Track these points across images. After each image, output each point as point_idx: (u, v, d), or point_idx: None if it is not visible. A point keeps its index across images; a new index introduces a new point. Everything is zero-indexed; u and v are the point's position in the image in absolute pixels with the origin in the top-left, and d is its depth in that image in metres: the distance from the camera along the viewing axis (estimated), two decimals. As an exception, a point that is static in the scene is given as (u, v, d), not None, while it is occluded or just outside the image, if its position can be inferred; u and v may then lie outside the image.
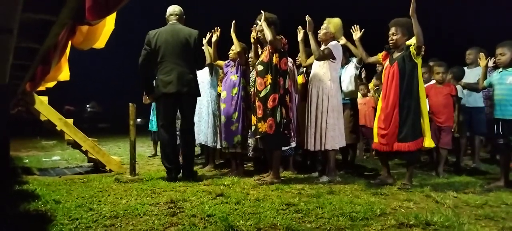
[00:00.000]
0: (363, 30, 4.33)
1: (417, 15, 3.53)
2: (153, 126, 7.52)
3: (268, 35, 3.96)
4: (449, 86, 4.63)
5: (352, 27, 4.36)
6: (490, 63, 4.78)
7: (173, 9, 4.40)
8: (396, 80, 3.75)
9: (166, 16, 4.42)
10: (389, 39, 3.88)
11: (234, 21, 4.63)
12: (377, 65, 5.80)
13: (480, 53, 4.47)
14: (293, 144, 4.72)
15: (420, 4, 3.50)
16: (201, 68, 4.74)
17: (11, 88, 4.09)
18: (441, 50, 6.47)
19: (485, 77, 4.19)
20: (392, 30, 3.85)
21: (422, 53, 3.72)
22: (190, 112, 4.37)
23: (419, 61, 3.72)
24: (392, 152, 3.84)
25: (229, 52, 4.85)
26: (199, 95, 4.43)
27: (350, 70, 4.94)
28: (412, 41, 3.69)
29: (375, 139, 3.98)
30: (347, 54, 4.88)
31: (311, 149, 4.21)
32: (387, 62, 3.96)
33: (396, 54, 3.87)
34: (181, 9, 4.43)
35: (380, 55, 4.14)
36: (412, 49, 3.66)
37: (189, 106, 4.32)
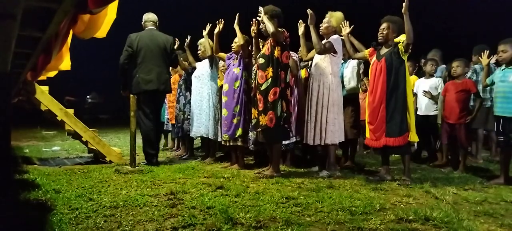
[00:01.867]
0: (352, 26, 4.33)
1: (409, 13, 3.58)
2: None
3: (270, 27, 3.94)
4: (464, 82, 4.55)
5: (342, 22, 4.35)
6: (492, 61, 4.75)
7: (148, 16, 5.02)
8: (384, 76, 3.81)
9: (142, 22, 5.05)
10: (379, 33, 3.94)
11: (238, 13, 4.61)
12: None
13: (483, 50, 4.44)
14: (293, 139, 4.71)
15: (417, 3, 3.53)
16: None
17: (12, 77, 4.08)
18: (444, 46, 6.43)
19: (487, 75, 4.16)
20: (384, 25, 3.91)
21: (410, 51, 3.77)
22: (161, 106, 5.33)
23: (406, 58, 3.78)
24: (385, 147, 3.85)
25: (232, 45, 4.82)
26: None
27: (353, 65, 4.91)
28: (401, 38, 3.75)
29: (367, 134, 4.01)
30: (351, 49, 4.84)
31: (311, 143, 4.21)
32: (374, 58, 4.01)
33: (383, 50, 3.93)
34: (156, 17, 5.07)
35: (367, 52, 4.18)
36: (400, 46, 3.72)
37: (162, 102, 5.24)
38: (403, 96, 3.76)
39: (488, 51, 4.23)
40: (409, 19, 3.59)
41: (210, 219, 2.44)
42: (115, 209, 2.67)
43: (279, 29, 4.02)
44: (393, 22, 3.86)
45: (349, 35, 4.29)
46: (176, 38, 5.67)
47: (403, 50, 3.71)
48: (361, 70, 5.10)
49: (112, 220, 2.43)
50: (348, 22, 4.34)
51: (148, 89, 4.71)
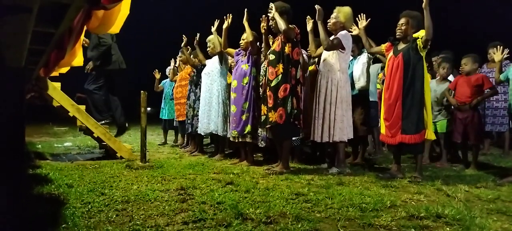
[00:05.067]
0: (369, 19, 4.28)
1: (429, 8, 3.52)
2: (164, 114, 7.57)
3: (282, 24, 3.93)
4: (477, 78, 4.44)
5: (358, 16, 4.31)
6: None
7: None
8: (400, 72, 3.75)
9: None
10: (397, 28, 3.86)
11: (246, 9, 4.60)
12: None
13: (496, 46, 4.38)
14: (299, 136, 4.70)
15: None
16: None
17: (26, 73, 4.13)
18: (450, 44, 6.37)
19: (500, 71, 4.09)
20: (402, 20, 3.84)
21: (428, 47, 3.70)
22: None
23: (424, 54, 3.71)
24: (399, 144, 3.81)
25: (240, 41, 4.83)
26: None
27: (363, 61, 4.87)
28: (420, 33, 3.68)
29: (382, 130, 3.97)
30: (360, 45, 4.81)
31: (318, 140, 4.19)
32: (390, 53, 3.94)
33: (401, 46, 3.86)
34: None
35: (383, 46, 4.12)
36: (419, 42, 3.65)
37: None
38: (420, 93, 3.69)
39: (501, 46, 4.17)
40: (429, 15, 3.52)
41: (220, 214, 2.45)
42: (127, 203, 2.70)
43: (290, 26, 4.01)
44: (412, 17, 3.78)
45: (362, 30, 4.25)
46: (183, 35, 6.10)
47: (422, 46, 3.63)
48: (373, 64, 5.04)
49: (123, 214, 2.46)
50: (364, 15, 4.30)
51: (123, 68, 5.73)
